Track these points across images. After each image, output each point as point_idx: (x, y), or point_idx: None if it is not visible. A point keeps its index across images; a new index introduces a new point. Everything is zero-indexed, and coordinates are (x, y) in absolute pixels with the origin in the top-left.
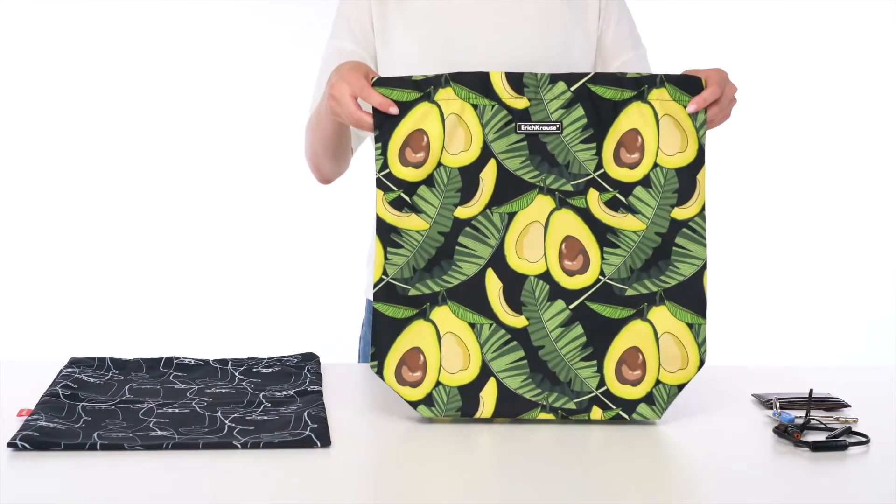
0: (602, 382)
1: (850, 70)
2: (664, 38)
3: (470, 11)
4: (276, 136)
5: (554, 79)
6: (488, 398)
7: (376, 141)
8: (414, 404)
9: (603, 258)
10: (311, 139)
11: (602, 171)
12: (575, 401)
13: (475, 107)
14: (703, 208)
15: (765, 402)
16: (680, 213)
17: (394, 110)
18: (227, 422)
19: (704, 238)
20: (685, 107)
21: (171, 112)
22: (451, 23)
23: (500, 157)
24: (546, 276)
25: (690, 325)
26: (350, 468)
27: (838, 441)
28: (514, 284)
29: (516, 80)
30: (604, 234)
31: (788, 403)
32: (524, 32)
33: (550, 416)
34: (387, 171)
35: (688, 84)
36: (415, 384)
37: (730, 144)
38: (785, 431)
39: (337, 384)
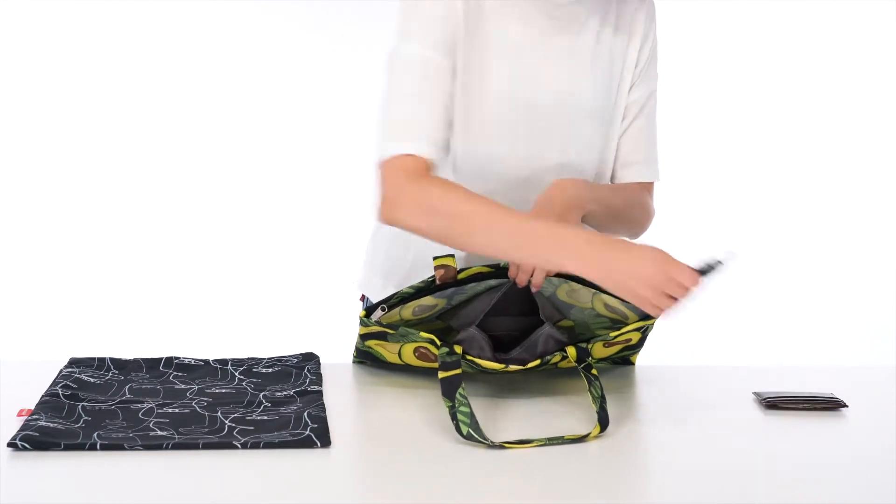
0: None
1: (850, 70)
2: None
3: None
4: (277, 136)
5: None
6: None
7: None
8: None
9: None
10: (470, 234)
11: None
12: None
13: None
14: None
15: (765, 402)
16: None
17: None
18: (227, 422)
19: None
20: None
21: (172, 112)
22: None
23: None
24: None
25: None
26: (350, 468)
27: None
28: None
29: None
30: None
31: (788, 402)
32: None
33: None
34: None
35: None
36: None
37: (730, 145)
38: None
39: (337, 384)
